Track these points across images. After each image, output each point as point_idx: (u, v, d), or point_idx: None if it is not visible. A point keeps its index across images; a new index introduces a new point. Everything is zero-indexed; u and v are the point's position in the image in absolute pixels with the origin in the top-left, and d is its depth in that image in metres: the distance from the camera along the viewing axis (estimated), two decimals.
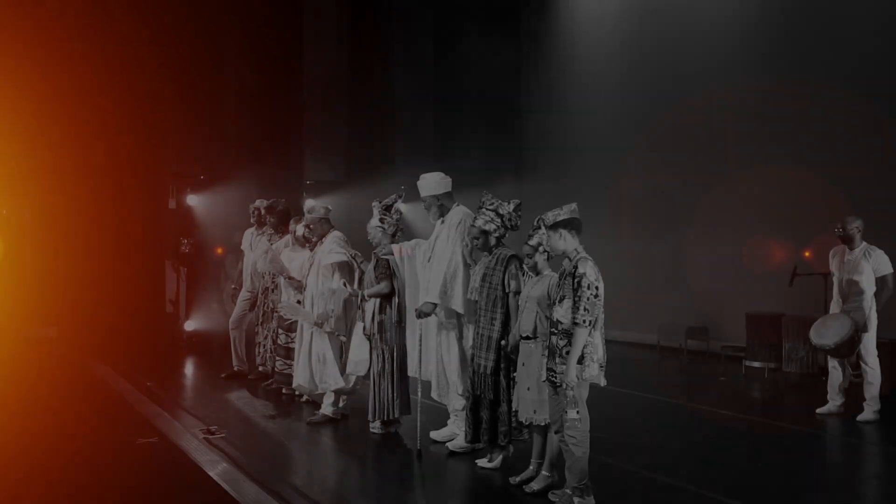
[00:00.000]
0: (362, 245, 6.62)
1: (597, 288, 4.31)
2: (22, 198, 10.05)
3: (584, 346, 4.29)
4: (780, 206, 9.58)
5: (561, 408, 4.37)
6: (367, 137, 13.55)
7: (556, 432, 4.51)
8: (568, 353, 4.31)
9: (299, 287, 6.96)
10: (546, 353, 4.55)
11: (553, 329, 4.46)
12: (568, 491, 4.39)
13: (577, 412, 4.29)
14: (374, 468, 5.53)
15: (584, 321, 4.26)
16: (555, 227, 4.47)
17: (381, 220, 5.98)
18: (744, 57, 10.04)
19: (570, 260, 4.42)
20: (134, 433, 6.02)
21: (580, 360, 4.29)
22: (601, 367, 4.38)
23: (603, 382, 4.42)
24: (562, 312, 4.39)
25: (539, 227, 4.77)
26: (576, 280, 4.32)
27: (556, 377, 4.40)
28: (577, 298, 4.29)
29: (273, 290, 7.81)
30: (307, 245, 7.08)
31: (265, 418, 6.67)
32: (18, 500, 4.73)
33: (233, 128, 12.30)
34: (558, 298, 4.45)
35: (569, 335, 4.33)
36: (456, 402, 5.69)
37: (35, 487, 4.90)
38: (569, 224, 4.46)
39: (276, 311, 7.51)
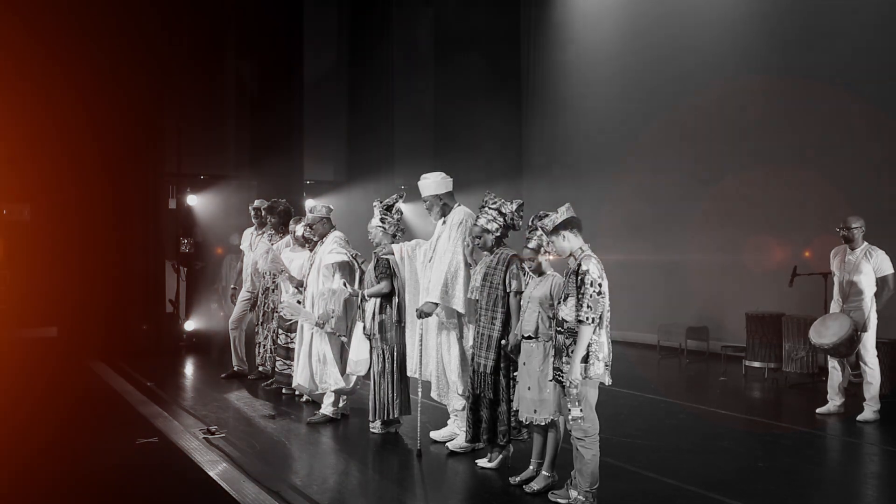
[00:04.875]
0: (363, 245, 6.63)
1: (600, 285, 4.31)
2: (22, 198, 10.05)
3: (590, 345, 4.29)
4: (780, 206, 9.59)
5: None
6: (367, 137, 13.53)
7: (569, 431, 4.50)
8: (573, 351, 4.31)
9: (299, 287, 6.97)
10: (553, 352, 4.56)
11: (559, 328, 4.46)
12: (581, 498, 4.38)
13: (581, 410, 4.29)
14: (374, 468, 5.53)
15: (588, 318, 4.26)
16: (556, 230, 4.47)
17: (382, 220, 5.99)
18: (744, 57, 10.04)
19: (576, 258, 4.43)
20: (134, 433, 6.02)
21: (585, 359, 4.29)
22: (607, 365, 4.38)
23: (608, 381, 4.42)
24: (566, 311, 4.40)
25: (536, 229, 4.78)
26: (579, 277, 4.32)
27: (562, 376, 4.40)
28: (580, 296, 4.29)
29: (273, 290, 7.81)
30: (307, 245, 7.08)
31: (265, 418, 6.67)
32: (19, 500, 4.73)
33: (233, 128, 12.30)
34: (563, 297, 4.46)
35: (574, 334, 4.33)
36: (456, 402, 5.69)
37: (35, 487, 4.90)
38: (568, 224, 4.46)
39: (277, 311, 7.52)
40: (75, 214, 9.92)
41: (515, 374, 4.97)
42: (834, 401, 6.88)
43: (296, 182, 12.24)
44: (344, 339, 6.49)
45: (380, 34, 13.53)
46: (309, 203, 6.82)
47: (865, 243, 6.77)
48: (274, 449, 5.81)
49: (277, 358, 7.51)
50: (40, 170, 9.69)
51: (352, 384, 6.51)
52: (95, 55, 9.78)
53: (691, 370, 9.49)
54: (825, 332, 6.73)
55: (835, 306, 6.93)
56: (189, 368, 9.50)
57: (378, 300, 5.98)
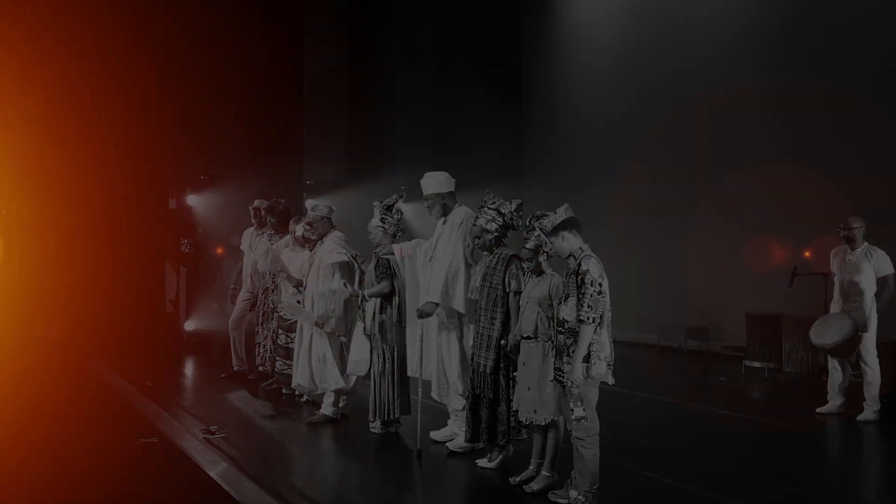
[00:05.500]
0: (363, 245, 6.63)
1: (600, 285, 4.31)
2: (22, 198, 10.05)
3: (591, 344, 4.29)
4: (780, 206, 9.58)
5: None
6: (368, 137, 13.55)
7: (569, 431, 4.50)
8: (574, 351, 4.31)
9: (299, 287, 6.96)
10: (553, 352, 4.56)
11: (559, 328, 4.46)
12: (581, 498, 4.38)
13: (583, 410, 4.29)
14: (374, 468, 5.53)
15: (589, 318, 4.25)
16: (555, 231, 4.47)
17: (382, 220, 5.99)
18: (745, 57, 10.05)
19: (576, 258, 4.43)
20: (134, 433, 6.02)
21: (587, 359, 4.29)
22: (609, 365, 4.37)
23: (611, 381, 4.42)
24: (567, 311, 4.39)
25: (533, 230, 4.78)
26: (579, 277, 4.32)
27: (563, 376, 4.40)
28: (580, 296, 4.29)
29: (273, 291, 7.81)
30: (307, 245, 7.08)
31: (265, 418, 6.66)
32: (19, 499, 4.73)
33: (233, 128, 12.30)
34: (563, 297, 4.46)
35: (575, 333, 4.32)
36: (456, 402, 5.69)
37: (35, 487, 4.90)
38: (567, 224, 4.46)
39: (277, 311, 7.52)
40: (75, 214, 9.93)
41: (515, 374, 4.97)
42: (834, 401, 6.87)
43: (296, 182, 12.24)
44: (343, 339, 6.49)
45: (380, 34, 13.54)
46: (310, 202, 6.80)
47: (866, 243, 6.76)
48: (274, 449, 5.81)
49: (277, 358, 7.51)
50: (41, 170, 9.70)
51: (352, 384, 6.51)
52: (96, 56, 9.79)
53: (691, 370, 9.49)
54: (826, 333, 6.72)
55: (835, 306, 6.93)
56: (189, 368, 9.50)
57: (378, 300, 5.98)
